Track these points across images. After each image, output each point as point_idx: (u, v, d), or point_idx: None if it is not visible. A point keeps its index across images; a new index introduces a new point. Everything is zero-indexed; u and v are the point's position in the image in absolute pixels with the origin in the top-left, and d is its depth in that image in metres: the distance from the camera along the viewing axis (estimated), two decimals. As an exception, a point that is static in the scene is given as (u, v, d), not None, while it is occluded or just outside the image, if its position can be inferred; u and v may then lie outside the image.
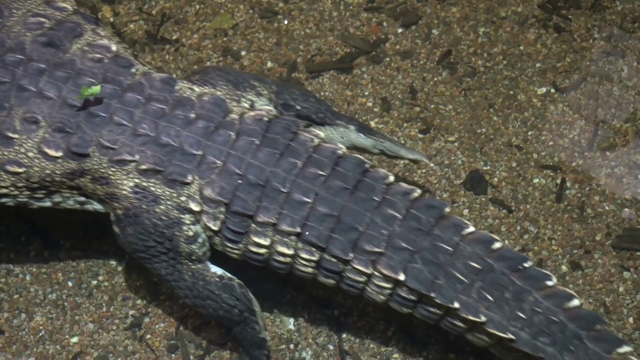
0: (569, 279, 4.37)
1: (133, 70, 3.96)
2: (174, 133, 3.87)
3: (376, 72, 4.84)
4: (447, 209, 3.86)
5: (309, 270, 3.92)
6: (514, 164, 4.61)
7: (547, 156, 4.63)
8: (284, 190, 3.83)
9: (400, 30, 4.94)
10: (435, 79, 4.83)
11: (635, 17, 4.93)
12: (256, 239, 3.88)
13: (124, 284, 4.36)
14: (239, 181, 3.85)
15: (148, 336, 4.28)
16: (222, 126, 3.89)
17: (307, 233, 3.84)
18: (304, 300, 4.34)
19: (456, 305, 3.77)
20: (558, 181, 4.57)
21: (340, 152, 3.90)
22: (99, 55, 3.95)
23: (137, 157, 3.86)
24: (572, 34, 4.92)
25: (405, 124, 4.70)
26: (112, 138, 3.86)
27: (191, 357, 4.24)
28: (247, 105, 4.04)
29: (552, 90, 4.78)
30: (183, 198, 3.88)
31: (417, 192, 3.88)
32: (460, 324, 3.85)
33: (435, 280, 3.79)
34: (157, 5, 4.99)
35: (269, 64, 4.84)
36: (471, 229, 3.84)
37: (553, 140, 4.67)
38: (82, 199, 4.03)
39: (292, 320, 4.31)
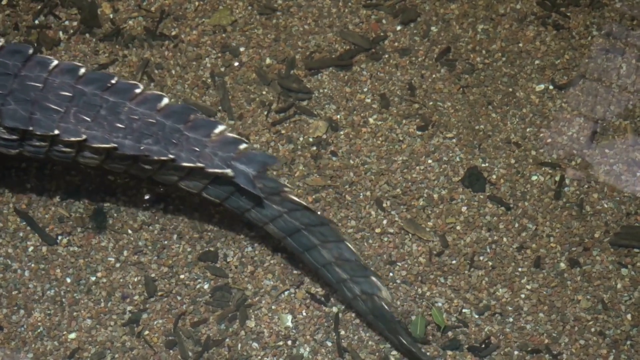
0: (568, 275, 4.37)
1: None
2: None
3: (375, 69, 4.84)
4: (30, 51, 4.20)
5: None
6: (513, 161, 4.61)
7: (545, 153, 4.63)
8: None
9: (399, 28, 4.94)
10: (434, 75, 4.83)
11: (633, 14, 4.93)
12: None
13: (122, 280, 4.36)
14: None
15: (146, 332, 4.28)
16: None
17: None
18: (302, 296, 4.34)
19: (56, 132, 4.10)
20: (557, 178, 4.57)
21: None
22: None
23: None
24: (570, 31, 4.92)
25: (404, 121, 4.70)
26: None
27: (189, 354, 4.24)
28: None
29: (551, 87, 4.78)
30: None
31: (1, 41, 4.23)
32: (67, 149, 4.16)
33: (31, 116, 4.12)
34: (156, 2, 4.99)
35: (268, 60, 4.84)
36: (55, 62, 4.19)
37: (551, 137, 4.67)
38: None
39: (290, 317, 4.31)
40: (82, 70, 4.19)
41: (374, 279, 4.18)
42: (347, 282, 4.19)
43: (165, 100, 4.17)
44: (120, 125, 4.12)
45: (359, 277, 4.18)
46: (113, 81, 4.17)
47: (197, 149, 4.11)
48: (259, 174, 4.13)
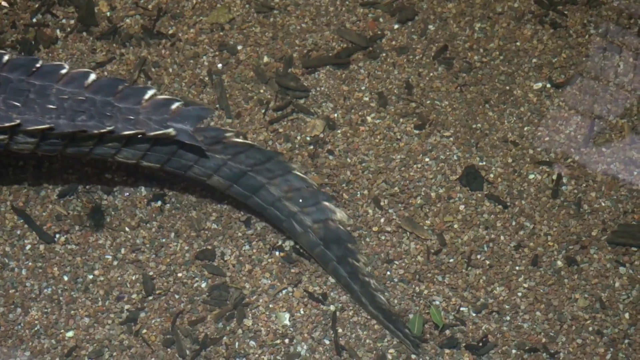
0: (565, 274, 4.38)
1: None
2: None
3: (373, 67, 4.84)
4: None
5: None
6: (510, 160, 4.62)
7: (543, 152, 4.64)
8: None
9: (396, 26, 4.95)
10: (431, 74, 4.83)
11: (631, 13, 4.94)
12: None
13: (119, 278, 4.36)
14: None
15: (144, 331, 4.28)
16: None
17: None
18: (300, 295, 4.34)
19: None
20: (554, 177, 4.57)
21: None
22: None
23: None
24: (568, 29, 4.92)
25: (401, 119, 4.71)
26: None
27: (187, 352, 4.24)
28: None
29: (548, 86, 4.79)
30: None
31: None
32: (1, 137, 4.15)
33: None
34: (153, 0, 4.99)
35: (265, 59, 4.84)
36: None
37: (549, 135, 4.68)
38: None
39: (287, 315, 4.31)
40: (6, 58, 4.19)
41: (326, 203, 4.21)
42: (297, 214, 4.21)
43: (93, 77, 4.19)
44: (51, 107, 4.13)
45: (310, 206, 4.19)
46: (38, 65, 4.18)
47: (131, 117, 4.15)
48: (197, 129, 4.16)
